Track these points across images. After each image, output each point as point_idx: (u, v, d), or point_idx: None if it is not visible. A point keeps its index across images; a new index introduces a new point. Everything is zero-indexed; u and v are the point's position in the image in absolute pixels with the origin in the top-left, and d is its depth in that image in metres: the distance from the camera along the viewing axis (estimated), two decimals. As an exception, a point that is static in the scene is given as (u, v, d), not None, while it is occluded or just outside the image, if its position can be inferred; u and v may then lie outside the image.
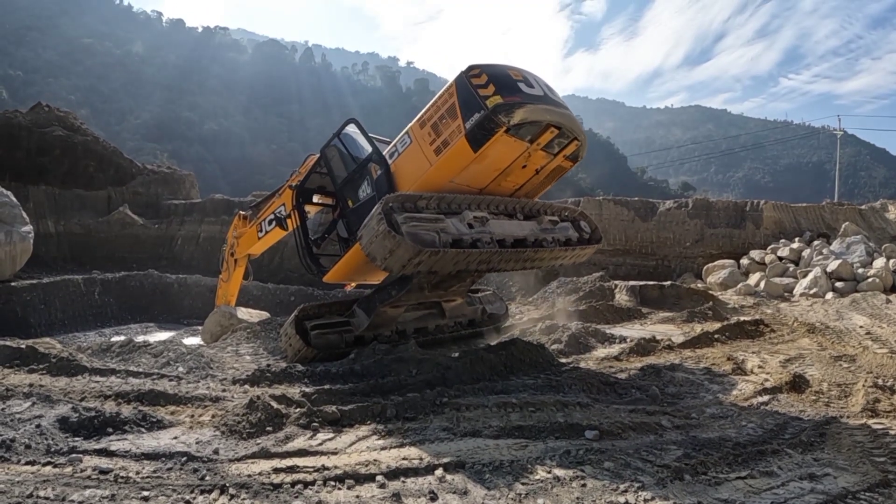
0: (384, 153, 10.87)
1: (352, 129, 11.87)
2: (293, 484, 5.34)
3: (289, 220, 12.98)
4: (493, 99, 9.33)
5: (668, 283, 22.04)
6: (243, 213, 17.01)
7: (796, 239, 27.19)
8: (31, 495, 4.91)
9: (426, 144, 10.00)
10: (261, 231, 15.04)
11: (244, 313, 17.00)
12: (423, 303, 12.42)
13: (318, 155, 13.17)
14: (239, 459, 5.98)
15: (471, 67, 9.74)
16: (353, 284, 14.53)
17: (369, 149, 11.28)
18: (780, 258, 26.00)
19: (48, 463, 5.60)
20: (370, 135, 11.60)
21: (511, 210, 11.09)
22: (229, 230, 17.14)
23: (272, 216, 14.37)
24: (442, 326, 12.83)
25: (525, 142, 9.99)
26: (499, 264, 11.14)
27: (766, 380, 9.41)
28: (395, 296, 11.21)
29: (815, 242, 26.16)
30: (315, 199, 13.11)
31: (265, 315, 17.70)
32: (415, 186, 10.09)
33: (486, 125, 9.32)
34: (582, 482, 5.46)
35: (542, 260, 11.63)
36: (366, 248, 9.19)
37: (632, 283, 21.52)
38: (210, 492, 5.15)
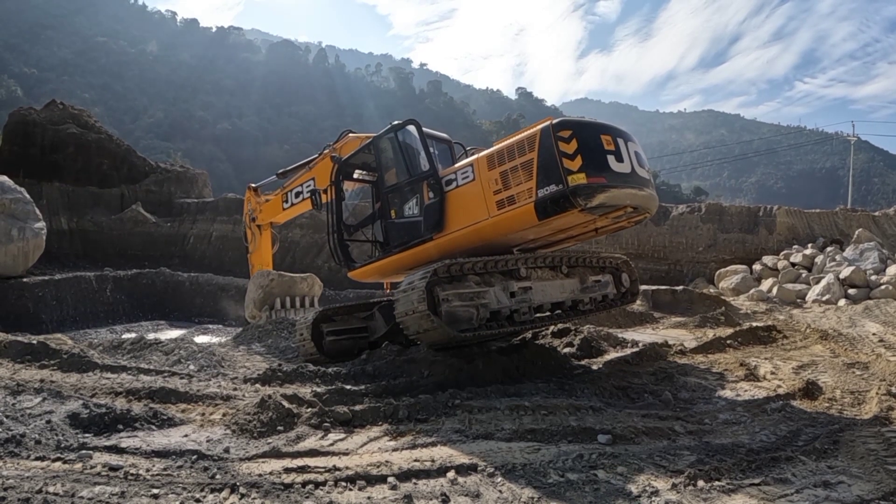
0: (441, 175, 10.25)
1: (412, 128, 11.00)
2: (304, 484, 5.32)
3: (323, 196, 12.22)
4: (576, 177, 8.53)
5: (681, 287, 22.04)
6: (253, 185, 17.09)
7: (809, 245, 27.11)
8: (40, 491, 4.90)
9: (489, 192, 9.35)
10: (286, 202, 14.86)
11: (288, 276, 17.09)
12: None
13: (356, 134, 12.97)
14: (250, 458, 5.96)
15: (562, 125, 8.93)
16: (389, 288, 14.21)
17: (425, 158, 10.60)
18: (793, 264, 25.92)
19: (58, 459, 5.60)
20: (429, 134, 11.11)
21: (556, 263, 10.73)
22: (244, 203, 17.26)
23: (300, 188, 14.15)
24: None
25: (595, 215, 9.33)
26: (531, 328, 11.03)
27: (779, 386, 9.34)
28: None
29: (828, 249, 26.07)
30: (356, 175, 12.58)
31: (310, 276, 17.65)
32: (465, 231, 9.68)
33: (561, 202, 8.66)
34: (595, 486, 5.42)
35: (574, 320, 11.50)
36: (400, 316, 8.98)
37: (644, 287, 21.42)
38: (220, 490, 5.13)
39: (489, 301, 9.21)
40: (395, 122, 11.25)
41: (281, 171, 15.80)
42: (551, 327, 13.41)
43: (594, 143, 8.87)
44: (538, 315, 10.06)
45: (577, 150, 8.64)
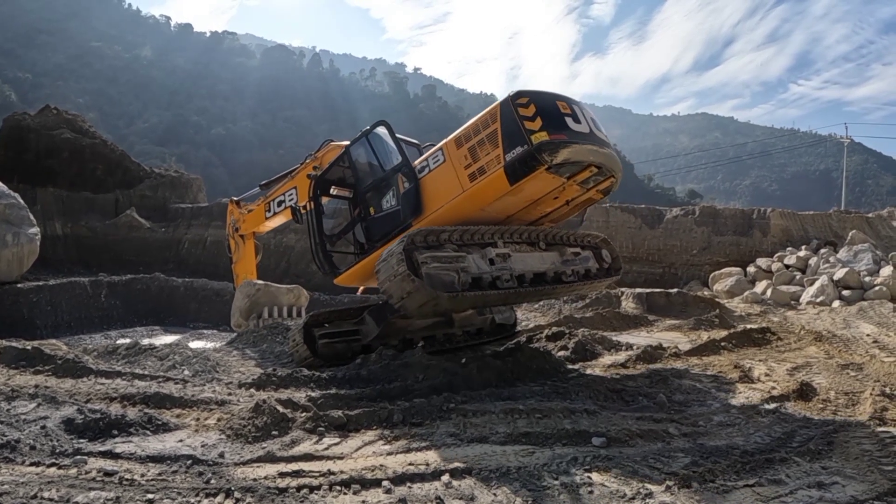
0: (414, 164, 10.59)
1: (382, 130, 11.46)
2: (299, 488, 5.33)
3: (303, 211, 12.58)
4: (538, 135, 9.02)
5: (675, 290, 21.98)
6: (235, 198, 17.46)
7: (803, 247, 27.13)
8: (35, 496, 4.90)
9: (461, 167, 9.72)
10: (269, 211, 15.01)
11: (274, 286, 17.17)
12: None
13: (337, 142, 13.11)
14: (244, 463, 5.96)
15: (519, 94, 9.42)
16: (363, 289, 14.41)
17: (398, 155, 10.98)
18: (787, 266, 25.93)
19: (53, 464, 5.59)
20: (400, 139, 11.32)
21: (534, 238, 10.90)
22: (227, 215, 17.49)
23: (282, 197, 14.31)
24: (450, 336, 12.75)
25: (563, 178, 9.72)
26: (516, 300, 11.11)
27: (774, 388, 9.36)
28: None
29: (822, 250, 26.10)
30: (333, 190, 12.67)
31: (296, 287, 17.74)
32: (443, 210, 9.93)
33: (528, 162, 9.07)
34: (589, 489, 5.43)
35: (560, 293, 11.58)
36: (382, 284, 9.04)
37: (638, 290, 21.46)
38: (215, 495, 5.14)
39: (468, 265, 9.34)
40: (366, 128, 11.62)
41: (264, 182, 16.01)
42: (545, 331, 13.45)
43: (551, 106, 9.41)
44: (523, 286, 10.11)
45: (536, 112, 9.15)
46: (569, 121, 9.38)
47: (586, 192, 10.70)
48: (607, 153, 9.99)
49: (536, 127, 9.07)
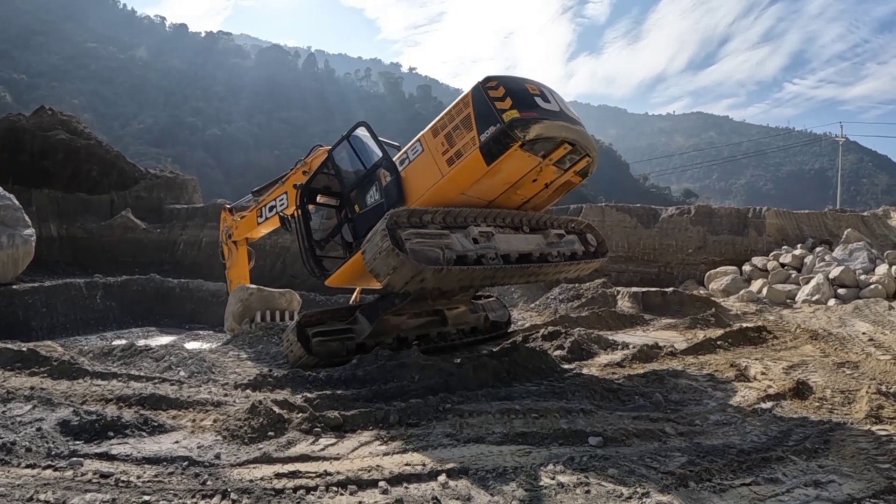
0: (394, 159, 10.79)
1: (362, 132, 11.76)
2: (295, 489, 5.32)
3: (291, 219, 12.80)
4: (509, 113, 9.27)
5: (671, 289, 21.98)
6: (228, 205, 17.73)
7: (798, 246, 27.14)
8: (31, 498, 4.89)
9: (438, 154, 9.94)
10: (260, 216, 15.14)
11: (267, 291, 17.26)
12: (425, 310, 12.38)
13: (325, 147, 13.19)
14: (241, 464, 5.96)
15: (488, 79, 9.69)
16: (359, 292, 14.47)
17: (379, 153, 11.21)
18: (783, 265, 25.95)
19: (49, 466, 5.58)
20: (380, 139, 11.52)
21: (517, 223, 11.06)
22: (220, 222, 17.71)
23: (273, 202, 14.45)
24: (444, 334, 12.79)
25: (538, 157, 9.93)
26: (503, 279, 11.19)
27: (770, 386, 9.38)
28: (398, 304, 11.18)
29: (818, 249, 26.09)
30: (319, 199, 12.98)
31: (288, 291, 17.78)
32: (425, 196, 10.07)
33: (502, 139, 9.28)
34: (586, 489, 5.43)
35: (547, 274, 11.67)
36: (369, 263, 9.14)
37: (634, 289, 21.47)
38: (211, 497, 5.13)
39: (452, 243, 9.49)
40: (346, 132, 11.96)
41: (256, 188, 16.18)
42: (541, 331, 13.46)
43: (520, 88, 9.82)
44: (509, 264, 10.24)
45: (506, 93, 9.54)
46: (538, 100, 9.72)
47: (564, 174, 10.89)
48: (579, 130, 10.23)
49: (507, 106, 9.36)
